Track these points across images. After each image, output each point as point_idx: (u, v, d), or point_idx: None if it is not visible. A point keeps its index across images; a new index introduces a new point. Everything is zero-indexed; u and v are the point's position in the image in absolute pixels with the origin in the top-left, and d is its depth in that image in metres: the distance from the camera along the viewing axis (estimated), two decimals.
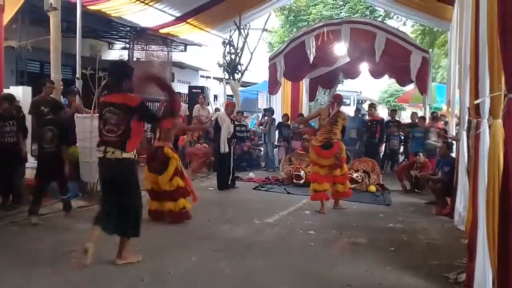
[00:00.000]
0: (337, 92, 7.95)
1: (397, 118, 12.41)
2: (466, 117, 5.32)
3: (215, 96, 17.63)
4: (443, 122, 11.24)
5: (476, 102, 3.28)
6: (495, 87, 2.77)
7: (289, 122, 11.56)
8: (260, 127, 11.58)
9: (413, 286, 3.79)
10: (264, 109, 12.15)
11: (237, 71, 12.42)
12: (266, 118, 11.24)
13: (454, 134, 7.80)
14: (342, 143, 6.53)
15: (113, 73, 4.10)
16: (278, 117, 11.80)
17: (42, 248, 4.30)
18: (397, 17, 15.91)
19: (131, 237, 3.98)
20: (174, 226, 5.24)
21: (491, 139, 2.91)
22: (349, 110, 15.86)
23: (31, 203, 5.25)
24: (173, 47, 13.61)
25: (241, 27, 12.17)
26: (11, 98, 5.84)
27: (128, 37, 12.26)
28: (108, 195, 3.98)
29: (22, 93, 7.72)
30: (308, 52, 10.24)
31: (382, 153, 11.24)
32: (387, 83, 24.60)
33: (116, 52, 13.81)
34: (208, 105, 12.93)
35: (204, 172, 9.66)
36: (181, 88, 14.85)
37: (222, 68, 12.62)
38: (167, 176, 5.34)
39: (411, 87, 13.55)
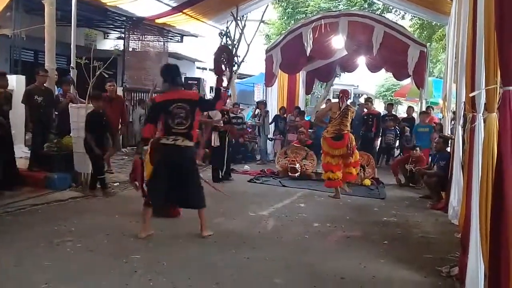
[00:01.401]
0: (343, 88, 8.18)
1: (393, 112, 12.41)
2: (462, 112, 5.32)
3: (211, 88, 17.54)
4: (439, 117, 11.26)
5: (471, 94, 3.27)
6: (490, 81, 2.76)
7: (285, 115, 11.52)
8: (254, 119, 11.55)
9: (407, 279, 3.80)
10: (257, 102, 12.08)
11: (234, 63, 12.33)
12: (259, 110, 11.21)
13: (449, 128, 7.82)
14: (351, 134, 7.18)
15: (167, 74, 4.59)
16: (274, 110, 11.76)
17: (36, 238, 4.28)
18: (395, 11, 15.83)
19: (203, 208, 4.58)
20: (168, 219, 5.22)
21: (486, 132, 2.90)
22: None
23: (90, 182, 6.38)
24: (169, 37, 13.49)
25: (238, 18, 12.06)
26: None
27: (123, 26, 12.12)
28: (165, 176, 4.40)
29: (16, 82, 7.65)
30: (305, 45, 10.17)
31: (377, 147, 11.25)
32: (384, 77, 24.60)
33: (112, 42, 13.69)
34: (205, 97, 12.85)
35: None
36: None
37: None
38: None
39: (408, 81, 13.52)
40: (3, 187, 5.79)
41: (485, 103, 3.04)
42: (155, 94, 7.15)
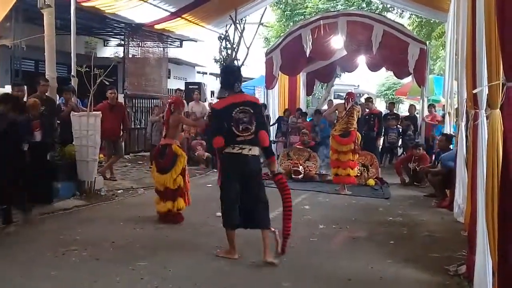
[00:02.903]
0: (343, 88, 8.55)
1: (395, 111, 12.38)
2: (464, 109, 5.29)
3: (212, 92, 17.55)
4: (441, 115, 11.22)
5: (475, 91, 3.25)
6: (493, 77, 2.73)
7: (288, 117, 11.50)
8: None
9: (414, 279, 3.78)
10: None
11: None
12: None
13: (451, 125, 7.81)
14: (358, 132, 7.66)
15: (228, 79, 4.21)
16: (276, 112, 11.74)
17: (42, 248, 4.27)
18: (393, 9, 15.83)
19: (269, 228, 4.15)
20: (173, 224, 5.21)
21: (490, 129, 2.88)
22: None
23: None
24: (169, 43, 13.51)
25: (237, 21, 12.09)
26: None
27: (123, 33, 12.15)
28: (236, 190, 4.09)
29: None
30: (305, 46, 10.19)
31: (380, 147, 11.22)
32: (385, 76, 24.56)
33: (111, 49, 13.72)
34: (205, 101, 12.87)
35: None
36: (177, 84, 14.78)
37: (218, 63, 12.55)
38: (175, 174, 5.21)
39: (408, 79, 13.49)
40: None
41: (487, 100, 3.02)
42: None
